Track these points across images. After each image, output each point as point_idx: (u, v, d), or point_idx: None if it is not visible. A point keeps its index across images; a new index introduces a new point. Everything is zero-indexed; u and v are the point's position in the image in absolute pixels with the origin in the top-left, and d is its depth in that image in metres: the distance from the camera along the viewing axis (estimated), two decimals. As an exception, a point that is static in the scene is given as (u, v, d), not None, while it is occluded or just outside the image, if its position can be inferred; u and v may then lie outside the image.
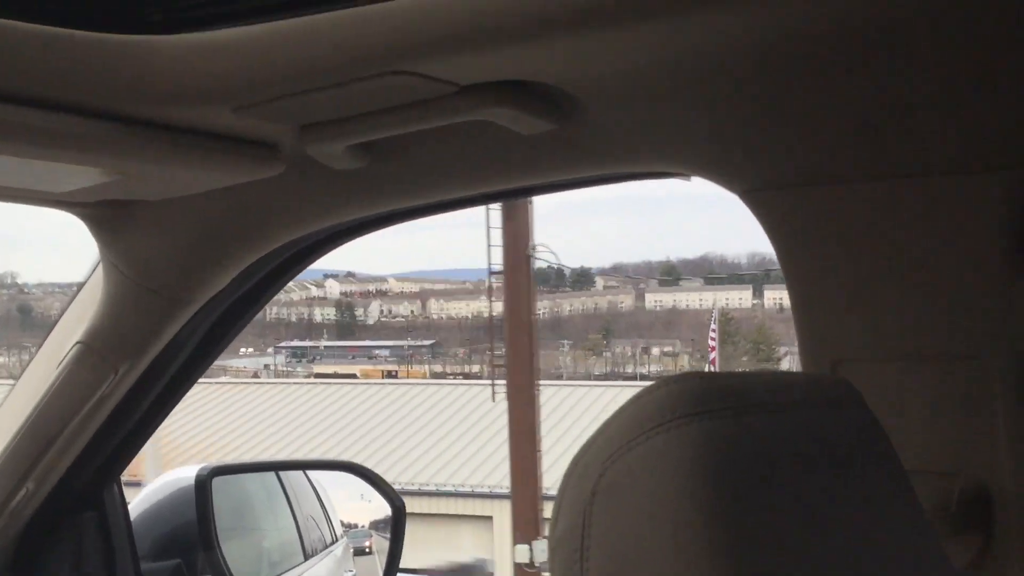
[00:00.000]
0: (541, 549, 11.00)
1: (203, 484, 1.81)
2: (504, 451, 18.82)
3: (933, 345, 1.16)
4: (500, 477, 18.62)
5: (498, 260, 11.62)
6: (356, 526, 2.38)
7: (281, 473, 2.25)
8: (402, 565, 2.05)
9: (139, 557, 1.83)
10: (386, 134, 1.16)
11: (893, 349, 1.19)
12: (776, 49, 0.99)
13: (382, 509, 2.06)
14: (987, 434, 1.13)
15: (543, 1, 0.89)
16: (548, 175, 1.37)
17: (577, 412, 20.49)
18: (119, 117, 1.11)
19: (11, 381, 1.73)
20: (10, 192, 1.32)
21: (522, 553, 11.25)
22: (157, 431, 1.76)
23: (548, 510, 1.37)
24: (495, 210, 11.64)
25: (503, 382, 12.08)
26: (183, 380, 1.69)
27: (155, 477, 2.01)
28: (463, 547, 17.76)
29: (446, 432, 21.07)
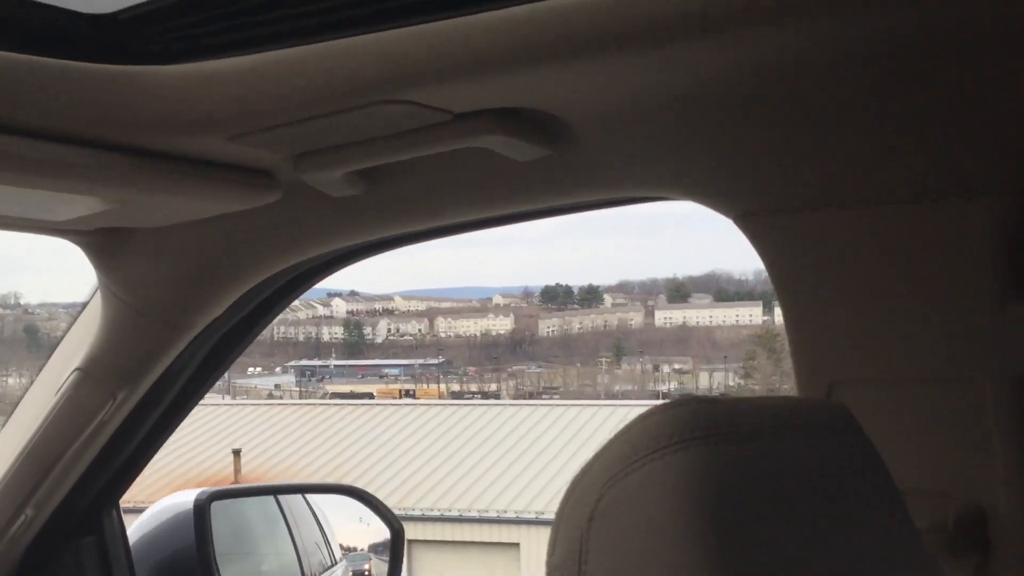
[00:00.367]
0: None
1: (202, 509, 1.81)
2: (530, 474, 18.44)
3: (927, 368, 1.16)
4: (526, 501, 18.28)
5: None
6: (355, 549, 2.38)
7: (280, 497, 2.25)
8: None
9: (138, 582, 1.83)
10: (381, 161, 1.17)
11: (888, 372, 1.19)
12: (769, 77, 0.99)
13: (381, 532, 2.06)
14: (982, 455, 1.13)
15: (536, 30, 0.89)
16: (542, 200, 1.37)
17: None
18: (117, 146, 1.12)
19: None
20: (8, 221, 1.33)
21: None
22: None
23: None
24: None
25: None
26: (182, 405, 1.69)
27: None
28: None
29: (467, 453, 20.59)
